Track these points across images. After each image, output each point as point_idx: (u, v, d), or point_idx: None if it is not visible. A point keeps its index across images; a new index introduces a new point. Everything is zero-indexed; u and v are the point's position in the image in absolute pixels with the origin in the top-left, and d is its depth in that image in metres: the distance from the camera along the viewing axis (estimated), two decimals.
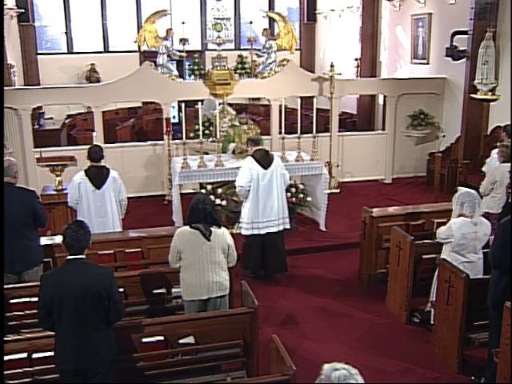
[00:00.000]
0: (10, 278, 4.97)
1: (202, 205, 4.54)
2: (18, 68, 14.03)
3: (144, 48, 10.77)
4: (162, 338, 4.20)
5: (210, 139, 9.37)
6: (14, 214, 4.89)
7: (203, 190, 7.73)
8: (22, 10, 14.18)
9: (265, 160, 6.62)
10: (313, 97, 8.58)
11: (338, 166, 10.28)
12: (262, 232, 6.63)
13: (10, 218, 4.83)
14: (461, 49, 9.69)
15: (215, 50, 9.49)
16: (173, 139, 9.71)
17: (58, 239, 5.16)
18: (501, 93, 9.07)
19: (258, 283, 6.44)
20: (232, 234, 5.01)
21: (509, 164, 6.51)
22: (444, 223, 5.37)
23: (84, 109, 13.13)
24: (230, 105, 9.74)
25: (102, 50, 16.26)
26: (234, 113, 9.47)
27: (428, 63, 11.31)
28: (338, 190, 10.03)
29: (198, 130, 7.98)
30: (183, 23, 10.74)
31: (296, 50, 11.95)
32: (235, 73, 9.81)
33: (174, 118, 13.32)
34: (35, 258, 5.16)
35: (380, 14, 13.02)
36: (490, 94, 9.04)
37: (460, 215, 5.07)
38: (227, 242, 4.59)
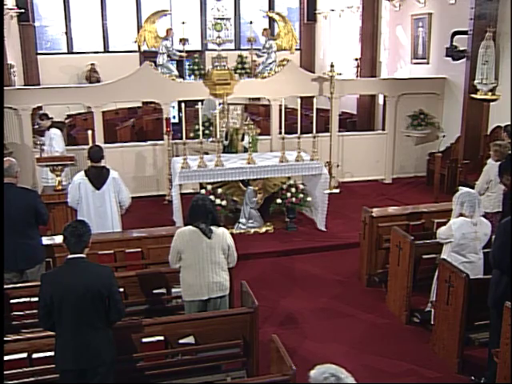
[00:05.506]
0: (13, 275, 4.99)
1: (202, 201, 4.56)
2: (17, 68, 14.02)
3: (144, 48, 10.73)
4: (162, 338, 4.20)
5: (210, 139, 9.36)
6: (16, 214, 4.90)
7: (203, 190, 7.73)
8: (22, 10, 14.18)
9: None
10: (313, 97, 8.57)
11: (337, 165, 10.28)
12: None
13: (12, 218, 4.85)
14: (461, 49, 9.68)
15: (215, 50, 9.49)
16: (173, 139, 9.70)
17: (58, 239, 5.17)
18: (501, 93, 9.06)
19: (257, 283, 6.43)
20: (232, 234, 5.01)
21: None
22: (444, 223, 5.37)
23: (84, 109, 13.12)
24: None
25: (102, 50, 16.26)
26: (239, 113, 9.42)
27: (428, 63, 11.30)
28: (338, 190, 10.03)
29: (198, 129, 7.97)
30: (183, 23, 10.72)
31: (296, 49, 11.92)
32: (235, 73, 9.81)
33: (174, 118, 13.31)
34: (38, 257, 5.17)
35: (380, 13, 13.02)
36: (489, 94, 9.02)
37: (460, 215, 5.07)
38: (227, 243, 4.59)
